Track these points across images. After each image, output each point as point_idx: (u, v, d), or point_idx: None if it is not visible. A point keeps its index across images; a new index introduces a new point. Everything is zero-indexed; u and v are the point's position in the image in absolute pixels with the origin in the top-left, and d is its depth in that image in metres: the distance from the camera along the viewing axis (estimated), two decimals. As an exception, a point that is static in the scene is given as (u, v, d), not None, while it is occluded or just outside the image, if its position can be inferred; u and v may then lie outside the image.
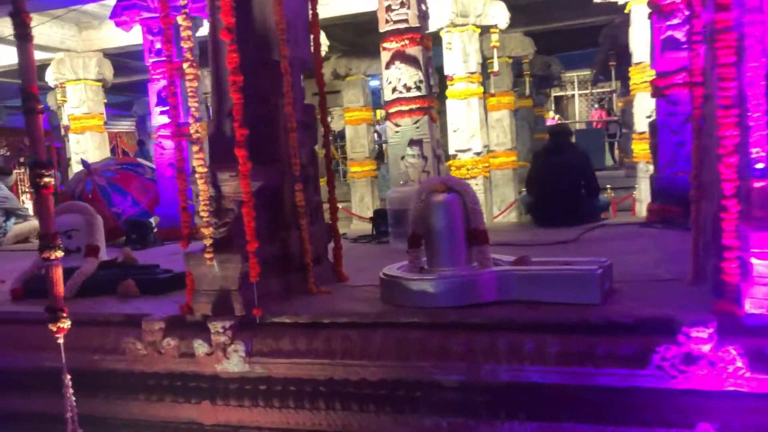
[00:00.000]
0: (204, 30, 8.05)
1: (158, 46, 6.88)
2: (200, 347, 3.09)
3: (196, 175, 3.08)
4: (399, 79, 6.05)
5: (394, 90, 6.09)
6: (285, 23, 3.35)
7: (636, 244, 4.59)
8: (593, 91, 18.20)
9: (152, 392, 3.26)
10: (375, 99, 12.83)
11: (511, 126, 11.47)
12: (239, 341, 3.04)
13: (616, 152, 16.56)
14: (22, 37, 2.29)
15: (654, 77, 5.58)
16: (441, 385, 2.74)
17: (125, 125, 20.50)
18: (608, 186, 10.40)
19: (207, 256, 3.07)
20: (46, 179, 2.32)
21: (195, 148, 3.09)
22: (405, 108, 6.06)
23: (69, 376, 2.48)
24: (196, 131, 3.13)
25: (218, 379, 3.15)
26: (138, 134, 21.55)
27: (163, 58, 6.90)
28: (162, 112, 6.98)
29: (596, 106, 18.25)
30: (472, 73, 8.50)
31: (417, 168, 6.08)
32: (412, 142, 6.08)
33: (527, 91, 12.18)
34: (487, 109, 10.35)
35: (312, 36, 3.75)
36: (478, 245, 3.06)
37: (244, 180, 3.06)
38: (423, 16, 6.02)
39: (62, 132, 14.58)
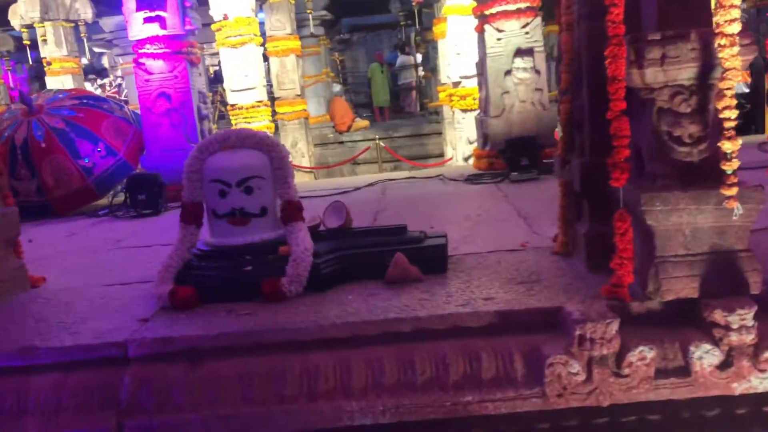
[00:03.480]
0: None
1: None
2: (706, 357, 1.72)
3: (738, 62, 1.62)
4: (504, -32, 4.68)
5: (495, -17, 4.71)
6: None
7: None
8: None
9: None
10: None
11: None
12: (781, 339, 1.73)
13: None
14: None
15: None
16: None
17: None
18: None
19: (728, 192, 1.67)
20: None
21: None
22: (512, 7, 4.72)
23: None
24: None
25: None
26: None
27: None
28: (147, 20, 4.86)
29: None
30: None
31: (529, 85, 4.82)
32: (520, 52, 4.78)
33: None
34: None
35: None
36: None
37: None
38: None
39: None
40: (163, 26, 4.88)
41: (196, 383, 1.85)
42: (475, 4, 6.94)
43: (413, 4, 8.02)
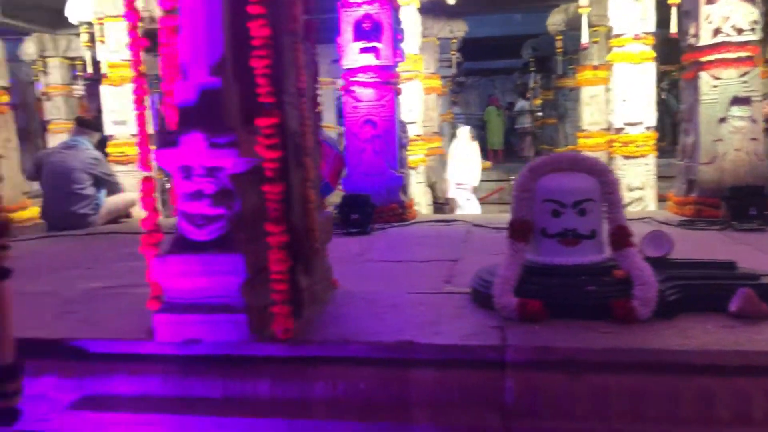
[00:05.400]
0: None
1: (361, -46, 5.05)
2: None
3: None
4: (727, 17, 4.65)
5: (717, 32, 4.68)
6: None
7: None
8: None
9: None
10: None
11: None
12: None
13: None
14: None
15: None
16: None
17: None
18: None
19: None
20: None
21: None
22: (732, 56, 4.68)
23: None
24: None
25: None
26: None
27: (372, -26, 5.11)
28: (363, 50, 5.12)
29: None
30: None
31: (745, 134, 4.73)
32: (737, 101, 4.71)
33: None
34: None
35: None
36: None
37: None
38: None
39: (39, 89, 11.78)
40: (378, 57, 5.11)
41: (581, 394, 1.87)
42: (645, 53, 6.94)
43: (581, 48, 8.06)
